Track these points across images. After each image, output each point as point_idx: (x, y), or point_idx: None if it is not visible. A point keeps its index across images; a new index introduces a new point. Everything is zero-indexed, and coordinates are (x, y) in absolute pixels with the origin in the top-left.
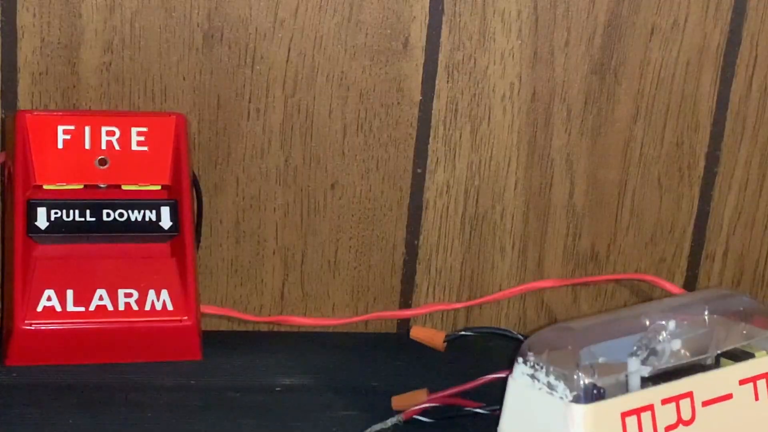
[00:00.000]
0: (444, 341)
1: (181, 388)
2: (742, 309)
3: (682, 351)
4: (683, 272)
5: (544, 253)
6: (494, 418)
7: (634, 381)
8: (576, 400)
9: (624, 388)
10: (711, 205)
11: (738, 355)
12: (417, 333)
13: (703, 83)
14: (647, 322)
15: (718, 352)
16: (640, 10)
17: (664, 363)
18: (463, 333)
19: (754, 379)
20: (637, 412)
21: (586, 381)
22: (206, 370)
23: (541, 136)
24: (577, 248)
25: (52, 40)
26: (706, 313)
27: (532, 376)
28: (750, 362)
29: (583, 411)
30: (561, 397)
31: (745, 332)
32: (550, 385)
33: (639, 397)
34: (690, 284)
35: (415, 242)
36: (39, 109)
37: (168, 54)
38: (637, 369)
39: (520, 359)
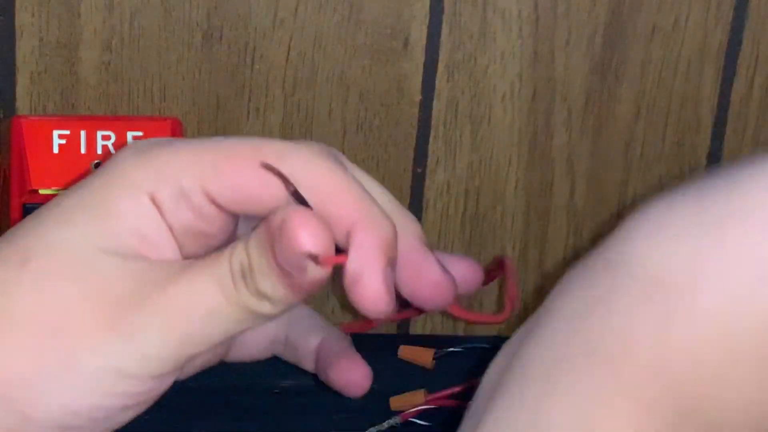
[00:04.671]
0: (433, 359)
1: (178, 389)
2: None
3: None
4: None
5: (544, 253)
6: None
7: None
8: None
9: None
10: None
11: None
12: (405, 353)
13: (705, 83)
14: None
15: None
16: (641, 9)
17: None
18: (452, 350)
19: None
20: None
21: None
22: (204, 372)
23: (541, 135)
24: (578, 249)
25: (50, 40)
26: None
27: None
28: None
29: None
30: None
31: None
32: None
33: None
34: None
35: None
36: (34, 115)
37: (167, 53)
38: None
39: None
